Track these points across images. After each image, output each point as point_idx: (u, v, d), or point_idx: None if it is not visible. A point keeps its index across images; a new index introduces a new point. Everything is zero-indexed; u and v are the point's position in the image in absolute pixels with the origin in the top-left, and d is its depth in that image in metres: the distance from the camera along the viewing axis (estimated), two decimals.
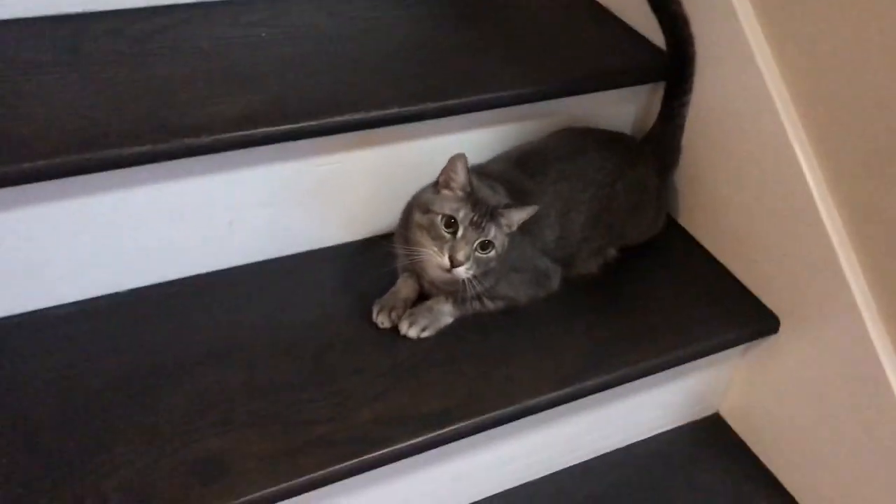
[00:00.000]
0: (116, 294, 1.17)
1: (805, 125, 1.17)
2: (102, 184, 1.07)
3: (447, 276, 1.09)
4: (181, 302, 1.18)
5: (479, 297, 1.15)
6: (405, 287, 1.18)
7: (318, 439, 1.02)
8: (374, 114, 1.15)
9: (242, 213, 1.20)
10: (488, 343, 1.17)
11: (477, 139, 1.29)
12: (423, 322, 1.14)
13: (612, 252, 1.32)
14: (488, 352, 1.16)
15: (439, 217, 1.08)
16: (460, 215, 1.07)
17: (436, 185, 1.12)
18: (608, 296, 1.28)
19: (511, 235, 1.12)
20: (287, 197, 1.22)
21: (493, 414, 1.08)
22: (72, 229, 1.10)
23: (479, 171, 1.19)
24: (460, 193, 1.09)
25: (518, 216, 1.10)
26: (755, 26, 1.20)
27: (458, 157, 1.08)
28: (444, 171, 1.10)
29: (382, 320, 1.15)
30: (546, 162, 1.23)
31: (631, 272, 1.33)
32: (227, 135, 1.07)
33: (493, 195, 1.12)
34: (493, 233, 1.08)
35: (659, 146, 1.37)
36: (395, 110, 1.16)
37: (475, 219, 1.07)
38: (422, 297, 1.19)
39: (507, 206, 1.10)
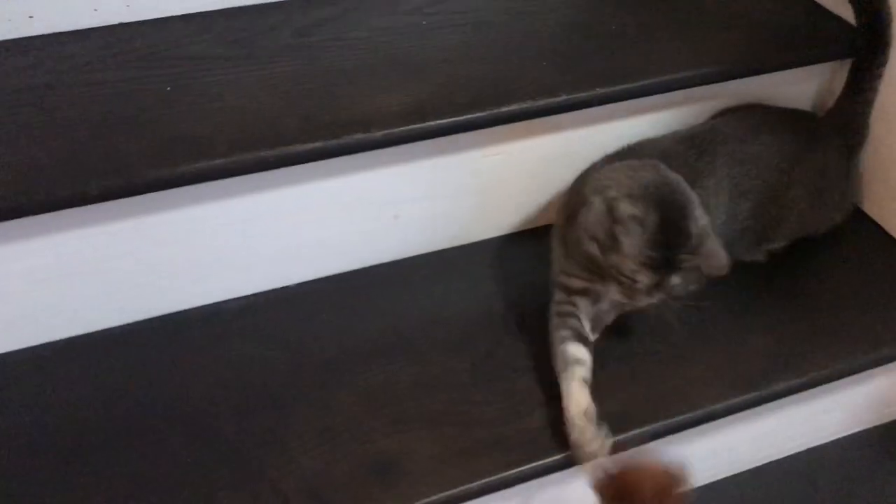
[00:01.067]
0: (286, 288, 1.18)
1: None
2: (275, 180, 1.07)
3: None
4: (347, 296, 1.18)
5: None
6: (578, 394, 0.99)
7: (493, 442, 0.99)
8: (542, 102, 1.10)
9: (407, 207, 1.18)
10: (665, 341, 1.11)
11: (646, 123, 1.22)
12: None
13: (781, 241, 1.22)
14: (665, 350, 1.10)
15: (613, 270, 0.97)
16: (640, 278, 0.95)
17: (612, 220, 0.94)
18: (784, 290, 1.20)
19: None
20: (451, 189, 1.19)
21: (673, 420, 1.03)
22: (244, 225, 1.11)
23: (641, 148, 1.13)
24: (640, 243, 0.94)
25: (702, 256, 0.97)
26: None
27: (630, 222, 0.92)
28: (617, 223, 0.93)
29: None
30: (717, 142, 1.14)
31: (809, 265, 1.24)
32: (397, 129, 1.05)
33: (675, 198, 0.96)
34: (676, 279, 0.97)
35: (844, 123, 1.25)
36: (563, 97, 1.11)
37: (657, 280, 0.96)
38: None
39: (688, 254, 0.95)
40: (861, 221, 1.32)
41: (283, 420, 1.01)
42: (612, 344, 1.10)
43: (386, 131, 1.04)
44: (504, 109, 1.09)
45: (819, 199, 1.22)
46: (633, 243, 0.93)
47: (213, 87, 1.10)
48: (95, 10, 1.20)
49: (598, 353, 1.06)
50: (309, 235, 1.15)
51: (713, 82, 1.22)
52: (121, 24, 1.22)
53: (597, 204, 0.95)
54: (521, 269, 1.22)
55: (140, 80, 1.11)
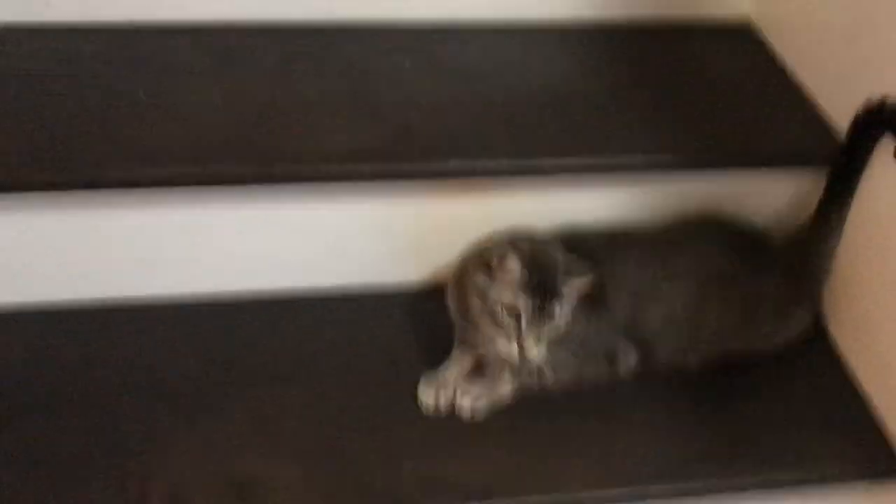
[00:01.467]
0: (217, 296, 1.23)
1: None
2: (218, 195, 1.14)
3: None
4: (273, 315, 1.22)
5: (535, 374, 1.09)
6: (458, 363, 1.13)
7: (356, 483, 1.02)
8: (481, 163, 1.13)
9: (342, 241, 1.22)
10: (555, 422, 1.11)
11: (595, 202, 1.22)
12: (476, 391, 1.10)
13: (712, 353, 1.18)
14: (552, 431, 1.10)
15: (499, 306, 1.01)
16: (522, 304, 1.00)
17: (489, 268, 1.03)
18: (707, 398, 1.16)
19: (576, 307, 1.04)
20: (389, 230, 1.22)
21: (534, 498, 1.03)
22: (186, 232, 1.17)
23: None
24: (518, 281, 1.01)
25: (580, 284, 1.03)
26: None
27: (510, 258, 1.00)
28: (497, 262, 1.01)
29: (427, 400, 1.10)
30: (638, 238, 1.15)
31: (744, 377, 1.19)
32: (337, 167, 1.10)
33: (550, 257, 1.03)
34: (558, 311, 1.01)
35: (809, 248, 1.21)
36: (505, 161, 1.13)
37: (539, 304, 1.00)
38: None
39: (567, 276, 1.02)
40: (821, 341, 1.26)
41: (173, 424, 1.07)
42: (499, 417, 1.10)
43: (323, 168, 1.10)
44: (442, 165, 1.12)
45: (749, 324, 1.18)
46: (512, 269, 1.00)
47: (185, 99, 1.17)
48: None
49: (480, 422, 1.09)
50: (246, 251, 1.20)
51: (681, 169, 1.20)
52: (120, 24, 1.30)
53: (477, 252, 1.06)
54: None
55: (117, 80, 1.20)
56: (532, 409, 1.11)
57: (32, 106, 1.14)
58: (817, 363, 1.23)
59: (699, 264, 1.14)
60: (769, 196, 1.27)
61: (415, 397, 1.11)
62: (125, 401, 1.10)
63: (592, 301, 1.06)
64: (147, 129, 1.12)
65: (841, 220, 1.18)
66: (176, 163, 1.08)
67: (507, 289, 1.01)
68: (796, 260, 1.20)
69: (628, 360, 1.13)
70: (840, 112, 1.20)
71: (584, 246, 1.09)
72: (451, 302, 1.12)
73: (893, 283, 1.11)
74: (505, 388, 1.11)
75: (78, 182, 1.07)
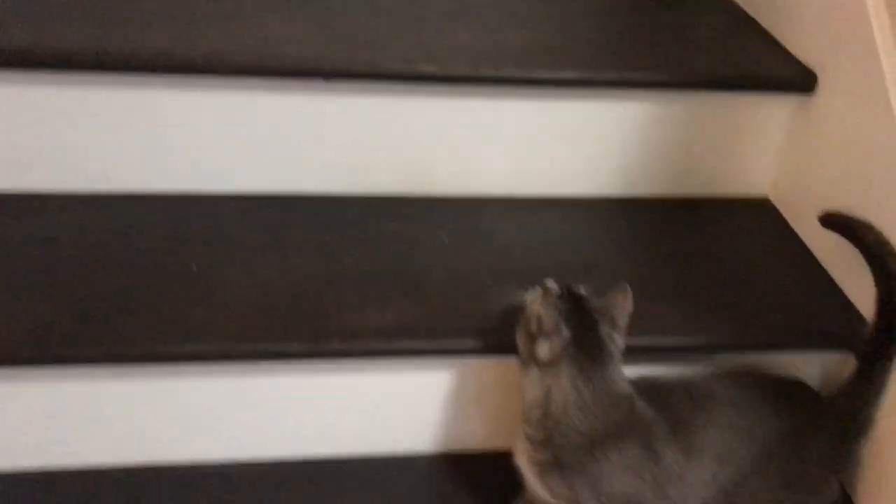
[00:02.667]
0: (259, 461, 1.25)
1: None
2: (259, 369, 1.17)
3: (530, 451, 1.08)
4: (314, 483, 1.23)
5: None
6: None
7: None
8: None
9: (382, 410, 1.25)
10: None
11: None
12: None
13: None
14: None
15: (534, 320, 1.06)
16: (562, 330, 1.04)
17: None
18: None
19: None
20: (427, 400, 1.25)
21: None
22: (230, 400, 1.21)
23: (640, 384, 1.15)
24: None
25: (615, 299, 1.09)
26: None
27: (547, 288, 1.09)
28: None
29: None
30: (713, 401, 1.15)
31: None
32: (372, 345, 1.14)
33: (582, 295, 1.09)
34: (605, 331, 1.07)
35: (847, 411, 1.22)
36: None
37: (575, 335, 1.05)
38: None
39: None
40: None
41: None
42: None
43: (361, 346, 1.13)
44: (473, 344, 1.15)
45: (802, 482, 1.19)
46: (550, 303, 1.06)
47: (232, 273, 1.23)
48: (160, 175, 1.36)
49: None
50: (287, 419, 1.23)
51: (706, 352, 1.24)
52: (176, 194, 1.38)
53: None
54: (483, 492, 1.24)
55: (171, 254, 1.25)
56: None
57: (85, 276, 1.19)
58: None
59: (762, 424, 1.14)
60: (801, 370, 1.30)
61: None
62: None
63: (637, 434, 1.07)
64: (197, 302, 1.17)
65: (883, 377, 1.18)
66: (223, 339, 1.12)
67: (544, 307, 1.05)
68: (843, 418, 1.21)
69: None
70: (858, 293, 1.25)
71: (659, 399, 1.12)
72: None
73: None
74: None
75: (126, 357, 1.11)
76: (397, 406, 1.25)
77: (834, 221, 1.21)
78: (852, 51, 1.31)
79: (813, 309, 1.28)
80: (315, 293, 1.20)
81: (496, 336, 1.15)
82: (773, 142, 1.49)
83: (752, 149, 1.49)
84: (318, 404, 1.22)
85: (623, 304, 1.09)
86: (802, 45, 1.46)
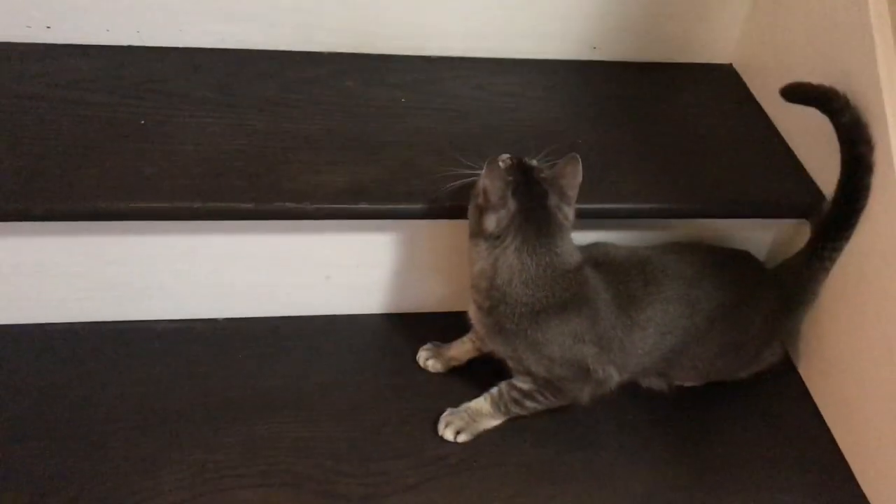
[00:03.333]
0: (213, 321, 1.27)
1: None
2: (215, 225, 1.16)
3: (478, 315, 1.11)
4: (266, 341, 1.26)
5: (516, 401, 1.14)
6: (458, 345, 1.23)
7: None
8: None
9: (338, 271, 1.25)
10: (539, 456, 1.15)
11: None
12: (457, 424, 1.15)
13: (692, 381, 1.25)
14: (537, 466, 1.14)
15: (482, 192, 1.05)
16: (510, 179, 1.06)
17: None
18: (686, 432, 1.22)
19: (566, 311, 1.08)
20: (381, 262, 1.26)
21: None
22: (182, 257, 1.20)
23: (598, 249, 1.18)
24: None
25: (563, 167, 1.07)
26: None
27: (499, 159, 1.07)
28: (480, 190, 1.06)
29: (419, 357, 1.24)
30: (665, 276, 1.16)
31: (720, 411, 1.25)
32: (328, 206, 1.12)
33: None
34: (553, 201, 1.07)
35: (795, 282, 1.26)
36: None
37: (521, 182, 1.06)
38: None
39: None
40: (791, 377, 1.32)
41: (165, 447, 1.10)
42: (487, 450, 1.15)
43: (316, 206, 1.11)
44: (424, 207, 1.14)
45: (741, 350, 1.23)
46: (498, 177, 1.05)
47: (182, 130, 1.19)
48: (108, 30, 1.30)
49: (469, 455, 1.14)
50: (242, 278, 1.24)
51: (664, 217, 1.25)
52: (127, 47, 1.32)
53: None
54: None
55: (118, 108, 1.21)
56: (517, 436, 1.17)
57: (30, 130, 1.16)
58: (787, 397, 1.29)
59: (710, 298, 1.17)
60: (754, 238, 1.33)
61: (399, 424, 1.16)
62: (117, 425, 1.12)
63: (580, 306, 1.09)
64: (147, 158, 1.14)
65: (834, 254, 1.21)
66: (176, 195, 1.10)
67: (492, 180, 1.04)
68: (788, 291, 1.25)
69: (605, 375, 1.14)
70: (816, 165, 1.26)
71: (614, 271, 1.14)
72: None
73: (866, 326, 1.17)
74: (486, 423, 1.16)
75: (77, 213, 1.09)
76: (350, 267, 1.25)
77: (797, 92, 1.18)
78: None
79: (772, 178, 1.28)
80: (267, 152, 1.18)
81: (450, 201, 1.14)
82: (739, 8, 1.45)
83: (718, 15, 1.46)
84: (270, 264, 1.22)
85: (572, 175, 1.08)
86: None
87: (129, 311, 1.24)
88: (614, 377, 1.15)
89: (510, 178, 1.06)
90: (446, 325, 1.27)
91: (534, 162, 1.09)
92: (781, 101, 1.22)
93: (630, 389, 1.21)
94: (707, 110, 1.42)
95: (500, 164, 1.08)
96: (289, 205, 1.11)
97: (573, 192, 1.08)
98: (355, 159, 1.19)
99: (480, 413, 1.16)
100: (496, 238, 1.06)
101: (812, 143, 1.28)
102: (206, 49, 1.35)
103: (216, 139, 1.19)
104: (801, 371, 1.32)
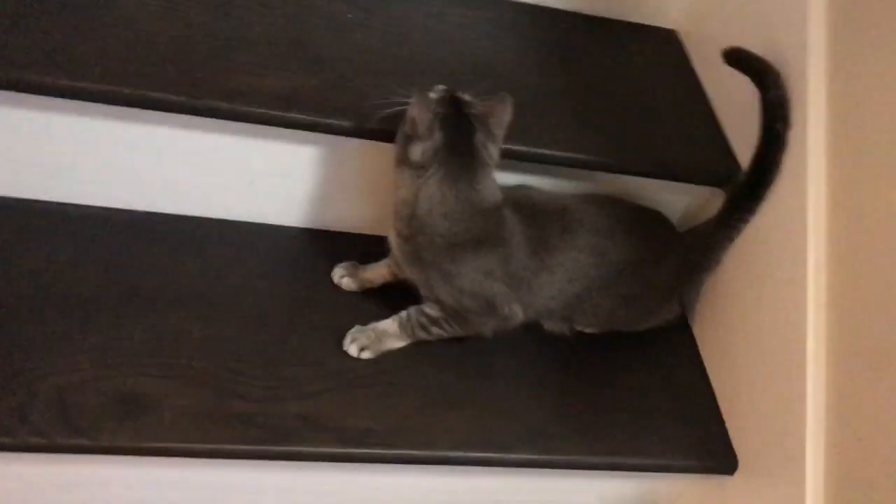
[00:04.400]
0: (132, 212, 1.26)
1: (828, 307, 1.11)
2: (144, 115, 1.14)
3: (398, 241, 1.14)
4: (185, 238, 1.25)
5: (423, 326, 1.17)
6: (374, 268, 1.25)
7: (239, 415, 1.07)
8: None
9: (263, 179, 1.25)
10: (440, 380, 1.19)
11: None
12: (362, 341, 1.17)
13: (593, 328, 1.30)
14: (436, 389, 1.18)
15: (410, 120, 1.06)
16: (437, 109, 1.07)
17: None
18: (581, 373, 1.27)
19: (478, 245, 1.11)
20: (306, 176, 1.26)
21: (409, 452, 1.11)
22: (105, 143, 1.18)
23: (522, 192, 1.21)
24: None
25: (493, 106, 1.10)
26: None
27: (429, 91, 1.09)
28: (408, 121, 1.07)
29: (334, 273, 1.25)
30: (581, 228, 1.21)
31: (615, 358, 1.31)
32: (258, 110, 1.12)
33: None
34: (480, 139, 1.09)
35: (700, 247, 1.31)
36: None
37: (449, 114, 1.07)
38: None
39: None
40: (684, 333, 1.39)
41: (69, 330, 1.10)
42: (389, 369, 1.18)
43: (247, 109, 1.11)
44: (353, 126, 1.15)
45: (641, 304, 1.29)
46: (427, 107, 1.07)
47: (120, 13, 1.17)
48: None
49: (370, 372, 1.17)
50: (165, 172, 1.22)
51: (587, 168, 1.28)
52: None
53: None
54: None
55: None
56: (420, 360, 1.20)
57: None
58: (678, 354, 1.36)
59: (620, 252, 1.21)
60: (671, 201, 1.38)
61: (306, 334, 1.18)
62: (22, 304, 1.11)
63: (494, 244, 1.13)
64: (80, 37, 1.11)
65: (741, 224, 1.26)
66: (106, 78, 1.08)
67: (420, 110, 1.06)
68: (693, 254, 1.30)
69: (510, 312, 1.18)
70: (737, 138, 1.31)
71: (534, 214, 1.17)
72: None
73: (759, 298, 1.24)
74: (391, 343, 1.19)
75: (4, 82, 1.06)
76: (275, 176, 1.25)
77: (738, 58, 1.21)
78: None
79: (694, 145, 1.33)
80: (205, 49, 1.16)
81: (381, 124, 1.14)
82: None
83: None
84: (194, 161, 1.21)
85: (501, 115, 1.10)
86: None
87: (43, 191, 1.22)
88: (519, 315, 1.19)
89: (439, 111, 1.07)
90: (366, 247, 1.28)
91: (466, 96, 1.11)
92: (716, 72, 1.26)
93: (533, 329, 1.26)
94: (646, 71, 1.46)
95: (432, 95, 1.09)
96: (221, 104, 1.10)
97: (500, 132, 1.10)
98: (294, 68, 1.19)
99: (387, 333, 1.19)
100: (420, 168, 1.08)
101: (737, 117, 1.33)
102: None
103: (154, 27, 1.17)
104: (695, 330, 1.39)
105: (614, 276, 1.22)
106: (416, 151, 1.07)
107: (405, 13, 1.36)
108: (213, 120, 1.14)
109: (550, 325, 1.28)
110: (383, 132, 1.14)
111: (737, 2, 1.39)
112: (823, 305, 1.11)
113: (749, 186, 1.23)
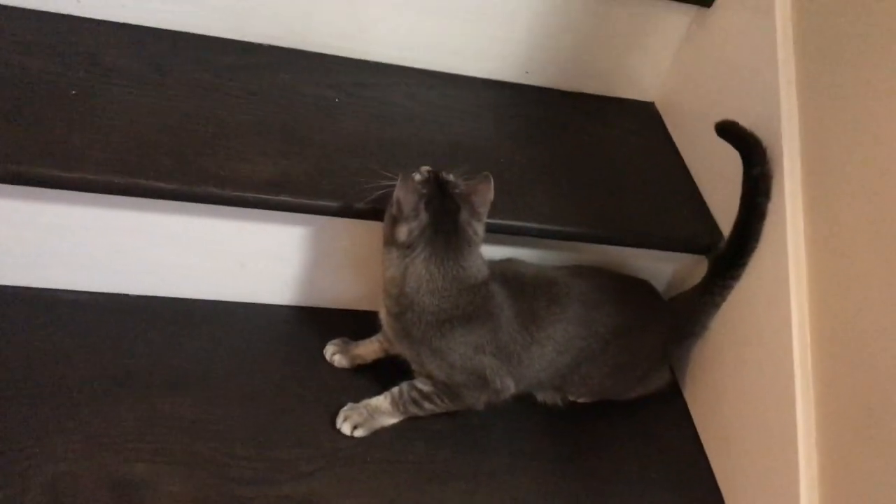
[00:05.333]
0: (125, 296, 1.27)
1: (814, 365, 1.13)
2: (134, 203, 1.16)
3: (388, 318, 1.15)
4: (178, 321, 1.27)
5: (415, 401, 1.18)
6: (365, 344, 1.27)
7: (235, 499, 1.07)
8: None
9: (254, 260, 1.27)
10: (433, 455, 1.20)
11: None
12: (355, 419, 1.18)
13: (584, 397, 1.31)
14: (429, 465, 1.18)
15: (396, 203, 1.09)
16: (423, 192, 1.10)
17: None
18: (573, 444, 1.28)
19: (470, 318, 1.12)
20: (297, 255, 1.28)
21: None
22: (99, 230, 1.20)
23: (510, 265, 1.23)
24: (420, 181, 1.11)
25: (476, 185, 1.12)
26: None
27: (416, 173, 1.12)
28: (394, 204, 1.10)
29: (326, 351, 1.27)
30: (569, 299, 1.22)
31: (608, 428, 1.32)
32: (250, 195, 1.14)
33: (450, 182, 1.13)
34: (464, 217, 1.11)
35: (687, 313, 1.34)
36: None
37: (433, 199, 1.10)
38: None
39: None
40: (676, 400, 1.40)
41: (61, 416, 1.10)
42: (383, 446, 1.19)
43: (238, 194, 1.14)
44: (341, 206, 1.17)
45: (631, 372, 1.30)
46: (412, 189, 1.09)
47: (112, 103, 1.20)
48: None
49: (364, 450, 1.17)
50: (157, 256, 1.24)
51: (573, 240, 1.31)
52: (65, 16, 1.32)
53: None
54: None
55: (53, 75, 1.21)
56: (413, 435, 1.21)
57: None
58: (670, 421, 1.37)
59: (608, 323, 1.23)
60: (657, 268, 1.41)
61: (299, 413, 1.19)
62: (14, 391, 1.11)
63: (483, 319, 1.14)
64: (75, 128, 1.14)
65: (725, 291, 1.28)
66: (100, 168, 1.11)
67: (405, 192, 1.08)
68: (679, 321, 1.32)
69: (502, 386, 1.18)
70: (718, 206, 1.35)
71: (521, 289, 1.19)
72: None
73: (746, 361, 1.25)
74: (384, 420, 1.20)
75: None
76: (266, 257, 1.27)
77: (729, 130, 1.24)
78: None
79: (677, 214, 1.37)
80: (197, 135, 1.20)
81: (371, 203, 1.17)
82: (666, 50, 1.54)
83: (647, 54, 1.54)
84: (186, 245, 1.23)
85: (485, 194, 1.13)
86: None
87: (37, 278, 1.23)
88: (510, 388, 1.20)
89: (424, 192, 1.10)
90: (357, 324, 1.30)
91: (450, 176, 1.14)
92: (693, 142, 1.30)
93: (525, 400, 1.27)
94: (625, 144, 1.50)
95: (417, 176, 1.12)
96: (212, 189, 1.13)
97: (484, 210, 1.13)
98: (282, 152, 1.22)
99: (379, 410, 1.20)
100: (407, 248, 1.10)
101: (718, 186, 1.37)
102: (145, 27, 1.35)
103: (146, 117, 1.20)
104: (686, 396, 1.40)
105: (603, 345, 1.23)
106: (403, 232, 1.09)
107: (386, 96, 1.40)
108: (206, 205, 1.16)
109: (543, 396, 1.29)
110: (371, 211, 1.17)
111: (711, 74, 1.44)
112: (810, 368, 1.13)
113: (731, 254, 1.26)
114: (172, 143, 1.17)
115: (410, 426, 1.21)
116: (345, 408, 1.19)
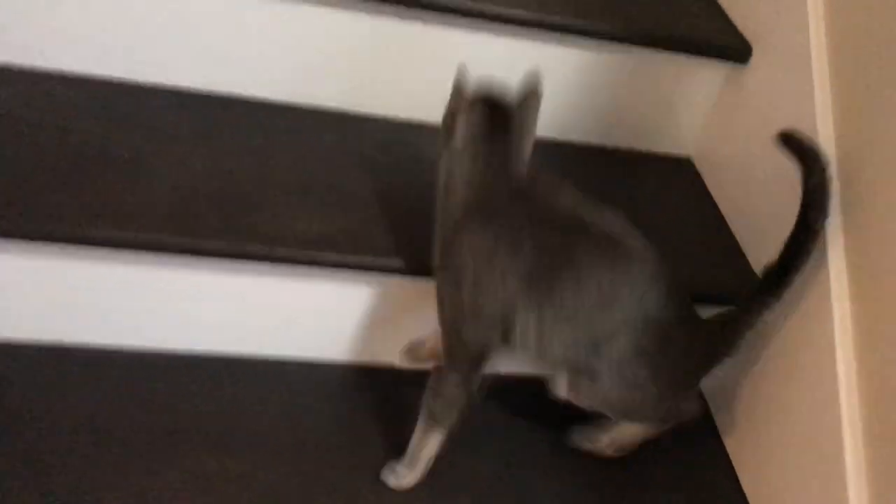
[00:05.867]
0: (172, 353, 1.29)
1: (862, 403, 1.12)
2: (183, 261, 1.19)
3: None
4: (222, 376, 1.28)
5: (431, 387, 1.15)
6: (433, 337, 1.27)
7: None
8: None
9: (302, 316, 1.29)
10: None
11: None
12: (400, 470, 1.19)
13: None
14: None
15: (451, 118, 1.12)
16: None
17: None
18: (615, 494, 1.27)
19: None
20: (348, 312, 1.30)
21: None
22: (146, 288, 1.22)
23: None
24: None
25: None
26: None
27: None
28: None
29: (402, 357, 1.32)
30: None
31: (646, 472, 1.31)
32: (298, 252, 1.17)
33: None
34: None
35: (721, 330, 1.24)
36: None
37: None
38: None
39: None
40: (708, 433, 1.39)
41: (108, 473, 1.11)
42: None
43: (289, 252, 1.16)
44: (389, 262, 1.20)
45: (661, 374, 1.18)
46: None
47: (163, 166, 1.24)
48: (100, 62, 1.35)
49: None
50: (206, 314, 1.26)
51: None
52: (118, 82, 1.37)
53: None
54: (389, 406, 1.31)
55: (103, 139, 1.26)
56: (455, 495, 1.21)
57: (16, 153, 1.19)
58: (708, 466, 1.35)
59: (637, 303, 1.15)
60: None
61: (344, 470, 1.19)
62: (62, 447, 1.13)
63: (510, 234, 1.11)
64: (127, 190, 1.18)
65: (764, 311, 1.21)
66: (151, 228, 1.14)
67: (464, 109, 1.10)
68: (713, 335, 1.24)
69: (526, 332, 1.11)
70: (759, 260, 1.34)
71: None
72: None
73: (783, 400, 1.24)
74: (424, 440, 1.17)
75: (52, 236, 1.12)
76: (315, 314, 1.29)
77: (791, 141, 1.21)
78: (785, 27, 1.38)
79: (717, 268, 1.37)
80: (244, 195, 1.23)
81: (418, 259, 1.19)
82: (702, 105, 1.55)
83: (683, 109, 1.56)
84: (236, 303, 1.26)
85: (534, 104, 1.15)
86: (742, 14, 1.52)
87: (86, 337, 1.26)
88: (527, 336, 1.12)
89: (480, 111, 1.11)
90: (403, 381, 1.31)
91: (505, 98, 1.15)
92: (731, 195, 1.29)
93: (568, 453, 1.28)
94: (662, 198, 1.51)
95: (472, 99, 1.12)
96: (261, 249, 1.15)
97: (534, 121, 1.16)
98: (329, 211, 1.24)
99: (415, 437, 1.17)
100: (458, 152, 1.11)
101: (757, 235, 1.37)
102: (195, 91, 1.40)
103: (195, 179, 1.23)
104: (725, 440, 1.38)
105: (637, 330, 1.15)
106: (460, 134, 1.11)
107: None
108: (254, 264, 1.19)
109: (562, 391, 1.17)
110: (421, 268, 1.19)
111: (748, 126, 1.45)
112: (857, 405, 1.11)
113: (777, 272, 1.20)
114: (221, 203, 1.20)
115: (451, 484, 1.20)
116: (390, 462, 1.20)
